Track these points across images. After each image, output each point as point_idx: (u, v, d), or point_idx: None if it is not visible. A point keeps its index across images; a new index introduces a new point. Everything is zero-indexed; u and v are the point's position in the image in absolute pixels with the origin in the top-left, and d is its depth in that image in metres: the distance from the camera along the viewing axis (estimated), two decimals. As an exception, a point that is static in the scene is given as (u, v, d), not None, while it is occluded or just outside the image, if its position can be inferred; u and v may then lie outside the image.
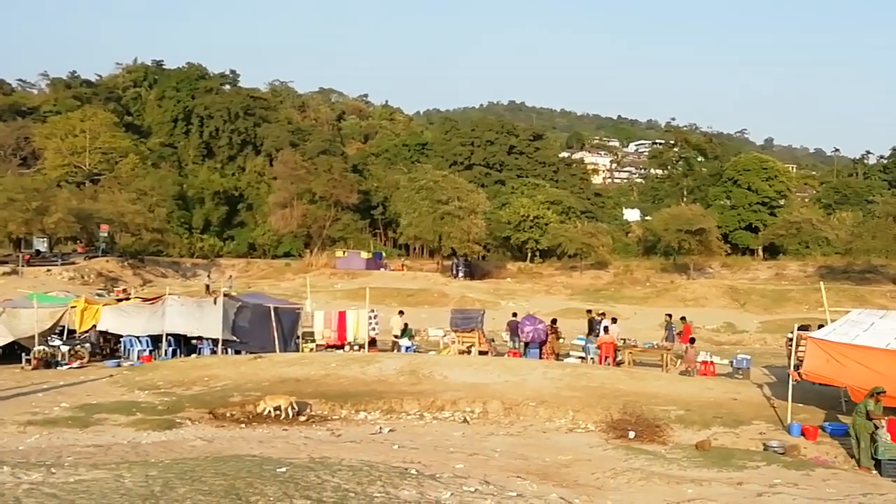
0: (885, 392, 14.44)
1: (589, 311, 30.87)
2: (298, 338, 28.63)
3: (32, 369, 24.15)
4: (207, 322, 26.56)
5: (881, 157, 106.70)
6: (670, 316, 29.33)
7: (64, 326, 27.09)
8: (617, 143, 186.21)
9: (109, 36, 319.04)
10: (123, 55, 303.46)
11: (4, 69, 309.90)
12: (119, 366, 24.98)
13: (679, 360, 25.40)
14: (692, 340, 25.76)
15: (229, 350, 26.57)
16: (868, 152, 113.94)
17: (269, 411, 17.89)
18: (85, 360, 25.54)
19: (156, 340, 27.00)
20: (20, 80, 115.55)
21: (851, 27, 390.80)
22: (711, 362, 25.01)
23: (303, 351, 27.51)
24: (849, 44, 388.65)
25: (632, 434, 16.40)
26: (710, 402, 18.83)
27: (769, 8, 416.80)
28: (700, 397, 19.44)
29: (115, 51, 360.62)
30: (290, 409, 18.01)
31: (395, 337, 29.64)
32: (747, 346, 34.47)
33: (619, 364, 25.75)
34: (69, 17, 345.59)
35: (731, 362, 25.03)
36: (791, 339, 22.39)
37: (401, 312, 31.83)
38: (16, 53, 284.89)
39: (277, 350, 26.22)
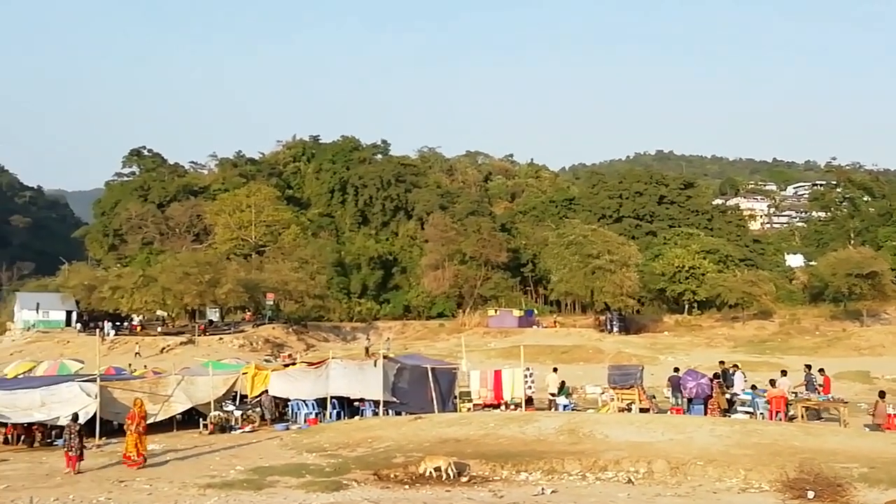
0: None
1: (721, 363, 29.80)
2: (456, 397, 28.85)
3: (209, 433, 25.51)
4: (369, 384, 27.24)
5: None
6: (809, 367, 27.84)
7: (237, 392, 28.54)
8: (774, 187, 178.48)
9: (270, 115, 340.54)
10: (283, 132, 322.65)
11: (179, 153, 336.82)
12: (287, 429, 25.94)
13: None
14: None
15: (390, 411, 27.08)
16: None
17: (430, 472, 18.07)
18: (256, 423, 26.76)
19: (321, 403, 27.92)
20: (192, 162, 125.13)
21: None
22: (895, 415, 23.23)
23: (460, 411, 27.66)
24: None
25: (811, 494, 15.42)
26: (897, 459, 17.47)
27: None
28: (886, 453, 18.06)
29: (276, 129, 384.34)
30: (450, 470, 18.13)
31: (552, 395, 29.34)
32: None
33: (791, 419, 24.37)
34: (234, 101, 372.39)
35: (885, 412, 23.21)
36: None
37: (555, 370, 31.58)
38: (189, 138, 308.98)
39: (436, 410, 26.49)
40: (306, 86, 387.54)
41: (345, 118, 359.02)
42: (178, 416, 27.22)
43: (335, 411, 27.69)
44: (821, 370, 27.80)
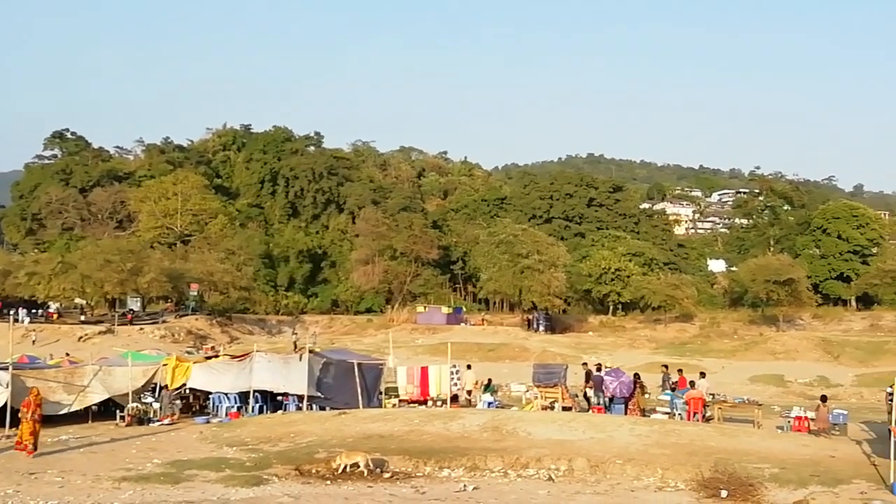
0: None
1: (665, 367, 30.59)
2: (381, 393, 28.76)
3: (126, 425, 24.87)
4: (293, 378, 26.92)
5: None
6: (666, 367, 28.78)
7: (156, 384, 27.88)
8: (699, 193, 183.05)
9: (201, 102, 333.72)
10: (213, 120, 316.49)
11: (103, 137, 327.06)
12: (208, 422, 25.49)
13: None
14: (824, 398, 23.84)
15: (314, 406, 26.82)
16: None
17: (346, 468, 17.97)
18: (176, 416, 26.20)
19: (243, 397, 27.50)
20: (117, 146, 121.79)
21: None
22: (806, 417, 24.02)
23: (386, 407, 27.59)
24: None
25: (724, 493, 15.85)
26: (806, 460, 18.09)
27: (850, 53, 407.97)
28: (795, 454, 18.70)
29: (206, 116, 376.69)
30: (367, 466, 18.04)
31: (468, 393, 29.63)
32: (843, 401, 33.01)
33: (708, 420, 24.99)
34: (163, 85, 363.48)
35: (827, 418, 23.97)
36: (891, 394, 21.44)
37: (469, 367, 31.80)
38: (114, 122, 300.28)
39: (361, 406, 26.35)
40: (238, 74, 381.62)
41: (278, 108, 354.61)
42: (94, 408, 26.48)
43: (258, 405, 27.28)
44: (679, 370, 28.52)
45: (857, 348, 48.57)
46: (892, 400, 21.40)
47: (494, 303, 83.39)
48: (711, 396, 26.40)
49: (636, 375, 27.62)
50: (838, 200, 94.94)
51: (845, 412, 23.89)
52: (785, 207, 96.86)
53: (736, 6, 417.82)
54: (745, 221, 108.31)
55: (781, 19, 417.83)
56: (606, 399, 26.81)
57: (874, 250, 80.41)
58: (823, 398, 23.64)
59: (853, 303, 77.82)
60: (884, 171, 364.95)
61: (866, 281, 73.49)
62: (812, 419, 23.84)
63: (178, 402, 27.32)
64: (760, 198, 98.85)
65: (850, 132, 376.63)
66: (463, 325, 68.45)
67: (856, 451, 19.15)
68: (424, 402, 28.41)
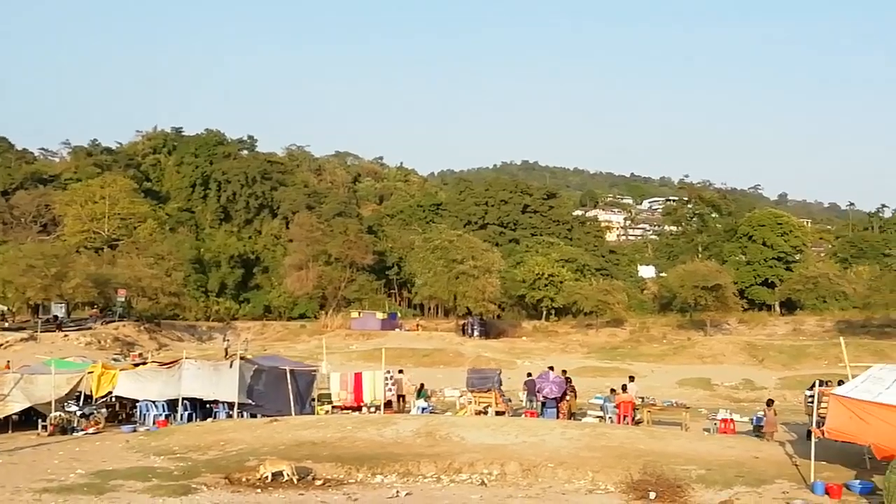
0: None
1: (564, 371, 31.13)
2: (314, 400, 28.54)
3: (49, 435, 24.14)
4: (224, 386, 26.55)
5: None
6: (552, 368, 29.37)
7: (81, 392, 27.13)
8: (630, 201, 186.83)
9: (130, 104, 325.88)
10: (143, 123, 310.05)
11: (27, 139, 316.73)
12: (135, 431, 24.93)
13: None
14: (770, 402, 23.72)
15: (245, 414, 26.49)
16: (883, 206, 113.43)
17: (269, 476, 17.75)
18: (101, 425, 25.52)
19: (172, 405, 26.96)
20: (42, 148, 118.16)
21: (863, 85, 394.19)
22: (731, 420, 24.66)
23: (318, 413, 27.39)
24: (861, 100, 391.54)
25: (652, 495, 16.15)
26: (731, 461, 18.56)
27: (778, 65, 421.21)
28: (721, 456, 19.16)
29: (136, 119, 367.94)
30: (292, 475, 17.84)
31: (401, 397, 29.67)
32: (767, 404, 33.96)
33: (637, 423, 25.45)
34: (92, 86, 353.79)
35: (752, 420, 24.65)
36: (810, 396, 22.14)
37: (400, 371, 31.87)
38: (39, 123, 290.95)
39: (293, 413, 26.11)
40: (170, 76, 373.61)
41: (210, 112, 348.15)
42: (14, 417, 25.64)
43: (187, 413, 26.83)
44: (563, 371, 29.23)
45: (781, 352, 50.00)
46: (811, 402, 22.13)
47: (429, 308, 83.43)
48: (641, 400, 26.91)
49: (567, 378, 27.98)
50: (764, 209, 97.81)
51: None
52: (713, 215, 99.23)
53: (671, 11, 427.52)
54: (674, 228, 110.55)
55: (709, 27, 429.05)
56: (539, 403, 27.11)
57: (797, 257, 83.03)
58: (770, 402, 23.74)
59: (777, 308, 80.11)
60: (807, 180, 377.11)
61: (790, 287, 75.78)
62: (733, 421, 24.53)
63: (103, 410, 26.66)
64: (689, 205, 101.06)
65: (775, 143, 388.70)
66: (398, 330, 68.25)
67: (779, 451, 19.71)
68: (358, 409, 28.28)
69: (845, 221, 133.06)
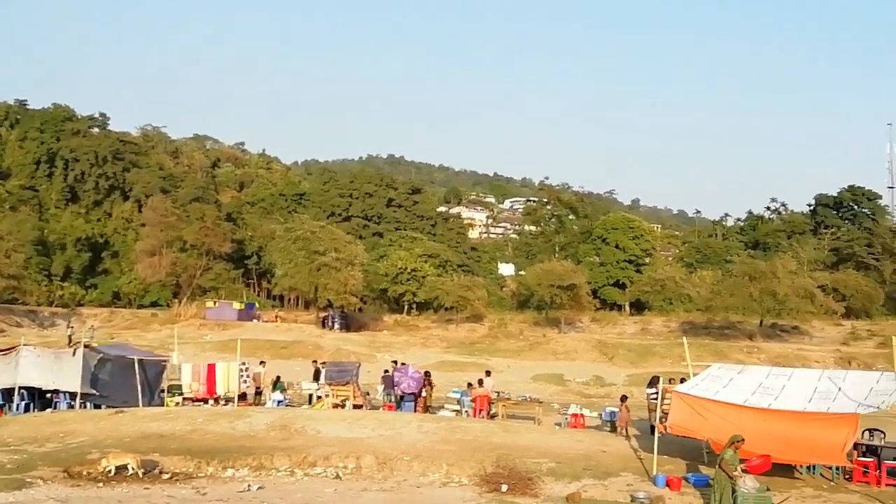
0: (743, 441, 15.02)
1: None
2: (163, 391, 27.50)
3: None
4: (65, 375, 25.15)
5: (738, 219, 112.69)
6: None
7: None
8: (493, 200, 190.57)
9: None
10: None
11: None
12: (-37, 422, 23.21)
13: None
14: (624, 398, 24.42)
15: (88, 404, 25.25)
16: (727, 215, 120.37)
17: (112, 470, 16.95)
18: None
19: (7, 394, 25.30)
20: None
21: (711, 100, 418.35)
22: (581, 415, 25.54)
23: (168, 405, 26.40)
24: (710, 116, 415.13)
25: (504, 487, 16.47)
26: (580, 455, 19.20)
27: (635, 78, 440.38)
28: (571, 450, 19.79)
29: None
30: (136, 468, 17.10)
31: (257, 390, 29.18)
32: (615, 400, 35.24)
33: (493, 417, 25.92)
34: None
35: (600, 415, 25.61)
36: (653, 393, 23.20)
37: (262, 363, 31.33)
38: None
39: (141, 404, 25.08)
40: (13, 44, 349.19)
41: (60, 86, 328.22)
42: None
43: (24, 403, 25.26)
44: (323, 363, 31.17)
45: (630, 350, 52.14)
46: (654, 398, 23.22)
47: (289, 300, 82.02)
48: (497, 394, 27.43)
49: (427, 373, 28.19)
50: (618, 213, 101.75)
51: (617, 410, 25.62)
52: (570, 217, 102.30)
53: (542, 13, 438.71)
54: (533, 228, 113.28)
55: (572, 29, 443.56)
56: (397, 397, 27.16)
57: (647, 260, 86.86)
58: (624, 398, 24.47)
59: (627, 308, 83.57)
60: (658, 187, 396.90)
61: (639, 288, 79.16)
62: (583, 416, 25.42)
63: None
64: (548, 207, 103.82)
65: (630, 150, 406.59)
66: (255, 321, 66.80)
67: (624, 446, 20.56)
68: (215, 401, 27.46)
69: (692, 228, 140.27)
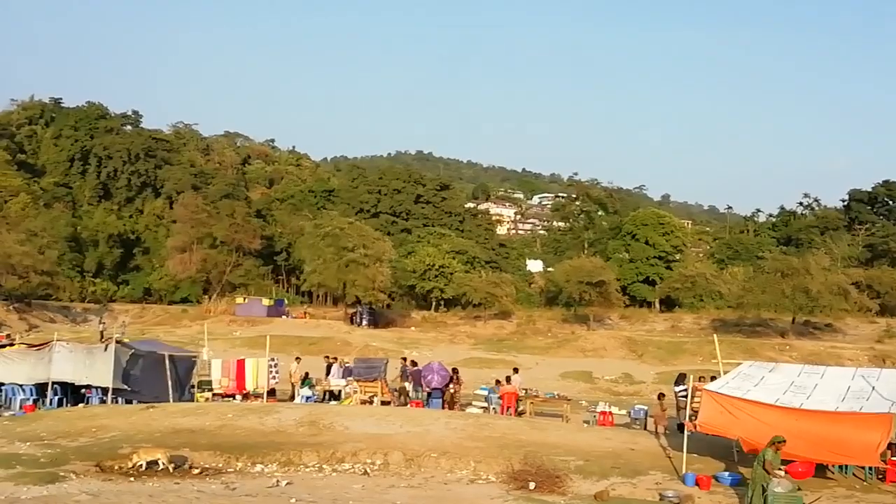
0: (784, 442, 14.80)
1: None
2: (193, 387, 27.77)
3: None
4: (97, 370, 25.45)
5: (770, 215, 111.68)
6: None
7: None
8: (521, 196, 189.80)
9: (5, 71, 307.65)
10: (19, 91, 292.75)
11: None
12: (-1, 416, 23.65)
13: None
14: (662, 396, 24.00)
15: (120, 399, 25.53)
16: (758, 210, 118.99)
17: (143, 465, 17.14)
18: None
19: (41, 389, 25.70)
20: None
21: (740, 93, 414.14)
22: (610, 412, 25.38)
23: (198, 400, 26.66)
24: (738, 110, 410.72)
25: (532, 485, 16.40)
26: (608, 453, 19.07)
27: (663, 69, 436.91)
28: (599, 447, 19.66)
29: (10, 87, 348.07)
30: (168, 463, 17.28)
31: (293, 384, 29.32)
32: (644, 397, 35.11)
33: (520, 414, 25.86)
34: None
35: (629, 413, 25.42)
36: (683, 391, 22.98)
37: (298, 359, 31.47)
38: None
39: (171, 399, 25.34)
40: (49, 44, 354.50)
41: (93, 84, 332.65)
42: None
43: (57, 398, 25.65)
44: (335, 358, 31.72)
45: (659, 347, 51.76)
46: (683, 396, 23.00)
47: (318, 296, 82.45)
48: (524, 391, 27.35)
49: (454, 370, 28.20)
50: (647, 208, 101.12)
51: (646, 408, 25.46)
52: (599, 213, 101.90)
53: (563, 9, 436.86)
54: (562, 224, 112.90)
55: (601, 27, 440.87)
56: (425, 394, 27.20)
57: (677, 256, 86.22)
58: (661, 396, 24.05)
59: (657, 305, 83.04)
60: (689, 183, 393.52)
61: (669, 285, 78.62)
62: (612, 413, 25.24)
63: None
64: (577, 203, 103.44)
65: (661, 145, 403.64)
66: (284, 317, 67.21)
67: (653, 444, 20.38)
68: (244, 396, 27.71)
69: (723, 224, 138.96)
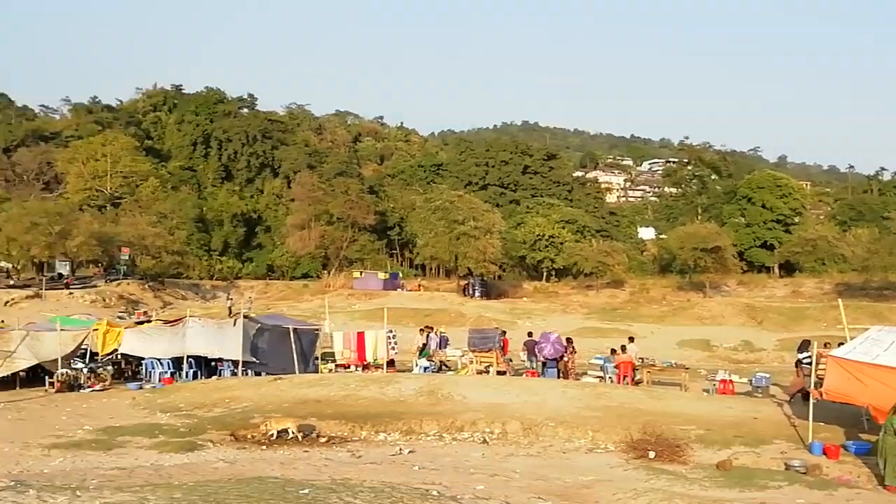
0: None
1: (422, 330, 31.81)
2: (317, 359, 28.79)
3: (56, 392, 24.42)
4: (227, 344, 26.77)
5: None
6: (430, 328, 31.08)
7: (87, 349, 27.39)
8: (630, 162, 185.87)
9: (130, 61, 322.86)
10: (143, 80, 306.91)
11: (28, 95, 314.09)
12: (141, 388, 25.22)
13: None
14: (799, 363, 22.64)
15: (249, 372, 26.77)
16: (882, 168, 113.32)
17: (274, 434, 18.02)
18: (107, 382, 25.81)
19: (177, 363, 27.22)
20: (43, 105, 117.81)
21: (862, 45, 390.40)
22: (731, 381, 24.89)
23: (322, 372, 27.64)
24: (860, 61, 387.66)
25: (652, 454, 16.36)
26: (730, 422, 18.77)
27: (779, 25, 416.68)
28: (720, 416, 19.37)
29: (136, 76, 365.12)
30: (297, 432, 18.12)
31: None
32: (765, 365, 34.23)
33: (637, 383, 25.70)
34: (91, 43, 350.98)
35: (751, 381, 24.84)
36: (802, 359, 22.21)
37: (430, 328, 31.95)
38: (39, 79, 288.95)
39: (297, 371, 26.36)
40: (169, 33, 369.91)
41: (210, 69, 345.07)
42: (21, 374, 25.93)
43: (192, 371, 27.12)
44: (430, 327, 31.45)
45: (780, 314, 50.14)
46: (808, 363, 22.25)
47: (431, 269, 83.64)
48: (640, 360, 27.13)
49: (568, 339, 28.20)
50: (763, 171, 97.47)
51: (768, 375, 24.85)
52: (712, 177, 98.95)
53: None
54: (674, 190, 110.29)
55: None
56: (539, 363, 27.36)
57: (796, 219, 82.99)
58: (798, 363, 22.83)
59: (776, 270, 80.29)
60: (806, 143, 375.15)
61: (788, 249, 75.88)
62: (732, 382, 24.70)
63: (109, 367, 26.95)
64: (689, 167, 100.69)
65: (775, 105, 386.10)
66: (399, 290, 68.43)
67: (777, 412, 19.90)
68: (364, 367, 28.53)
69: (844, 184, 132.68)
